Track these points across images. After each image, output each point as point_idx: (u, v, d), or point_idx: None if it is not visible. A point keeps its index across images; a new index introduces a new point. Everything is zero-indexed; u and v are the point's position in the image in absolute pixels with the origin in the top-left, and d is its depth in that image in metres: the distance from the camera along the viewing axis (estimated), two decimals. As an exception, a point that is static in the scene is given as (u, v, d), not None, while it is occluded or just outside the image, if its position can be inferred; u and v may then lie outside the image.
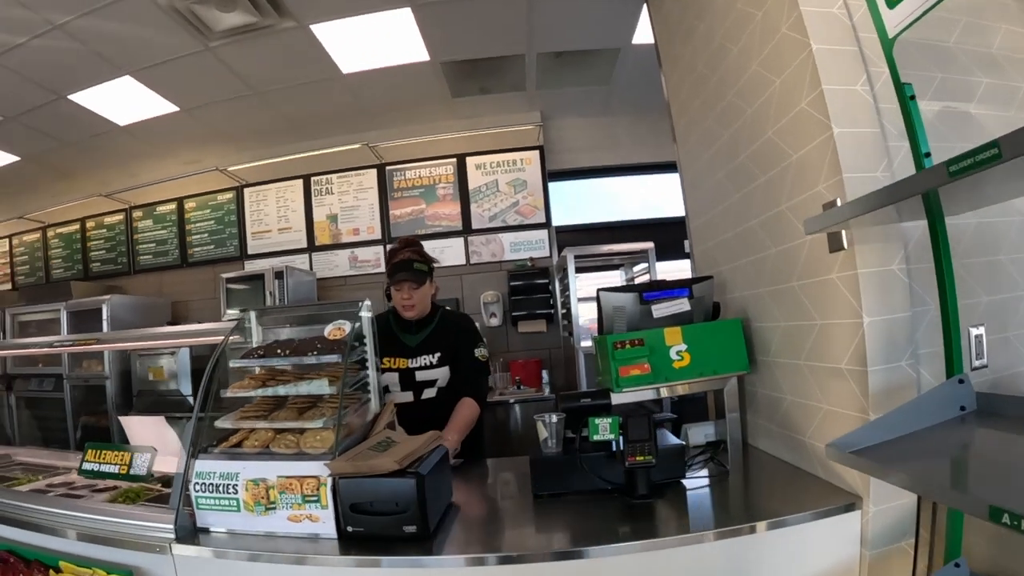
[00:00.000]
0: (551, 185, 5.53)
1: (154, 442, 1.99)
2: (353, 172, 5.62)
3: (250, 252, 5.75)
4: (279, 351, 1.84)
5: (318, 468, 1.60)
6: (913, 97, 1.43)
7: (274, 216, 5.73)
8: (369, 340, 2.00)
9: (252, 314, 2.10)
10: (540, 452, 1.89)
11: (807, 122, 1.68)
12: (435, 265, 2.60)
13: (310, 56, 4.10)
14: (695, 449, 2.19)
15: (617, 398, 2.01)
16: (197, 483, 1.72)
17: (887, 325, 1.54)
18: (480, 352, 2.57)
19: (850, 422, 1.59)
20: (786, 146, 1.82)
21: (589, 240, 5.11)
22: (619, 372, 1.97)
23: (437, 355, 2.50)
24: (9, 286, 6.51)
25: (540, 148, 5.48)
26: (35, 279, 6.46)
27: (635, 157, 5.66)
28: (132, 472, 1.91)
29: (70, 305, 5.02)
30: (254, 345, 2.06)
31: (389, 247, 2.81)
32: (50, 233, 6.45)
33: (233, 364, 1.89)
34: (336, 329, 1.86)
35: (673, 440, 1.92)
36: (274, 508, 1.64)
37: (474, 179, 5.52)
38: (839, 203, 1.56)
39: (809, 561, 1.56)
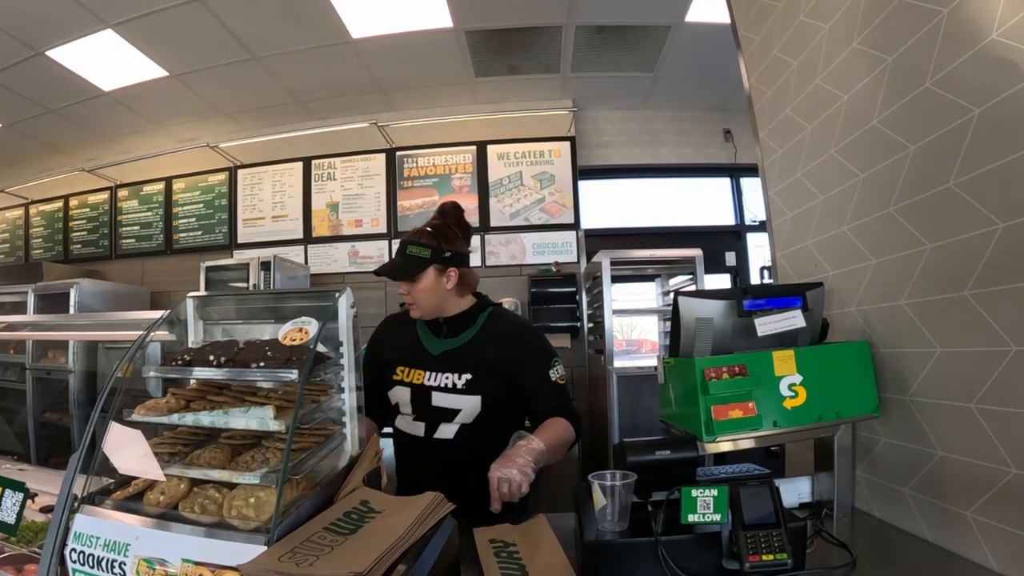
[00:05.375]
0: (581, 183, 4.91)
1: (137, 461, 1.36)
2: (359, 156, 5.03)
3: (240, 241, 5.18)
4: (211, 358, 1.23)
5: (245, 554, 0.98)
6: None
7: (269, 202, 5.16)
8: (347, 347, 1.36)
9: (190, 303, 1.50)
10: (594, 529, 1.26)
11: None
12: (465, 249, 1.82)
13: (315, 12, 3.57)
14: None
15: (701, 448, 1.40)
16: (75, 549, 1.12)
17: None
18: (557, 374, 1.83)
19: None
20: (961, 98, 1.20)
21: (621, 246, 4.43)
22: (713, 413, 1.35)
23: (465, 377, 1.73)
24: (-13, 264, 6.08)
25: (571, 140, 4.88)
26: (14, 259, 5.98)
27: (677, 157, 5.05)
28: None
29: (38, 288, 4.59)
30: (189, 346, 1.46)
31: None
32: (32, 210, 5.97)
33: (145, 374, 1.29)
34: (297, 330, 1.24)
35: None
36: (176, 609, 1.02)
37: (495, 170, 4.91)
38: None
39: None
